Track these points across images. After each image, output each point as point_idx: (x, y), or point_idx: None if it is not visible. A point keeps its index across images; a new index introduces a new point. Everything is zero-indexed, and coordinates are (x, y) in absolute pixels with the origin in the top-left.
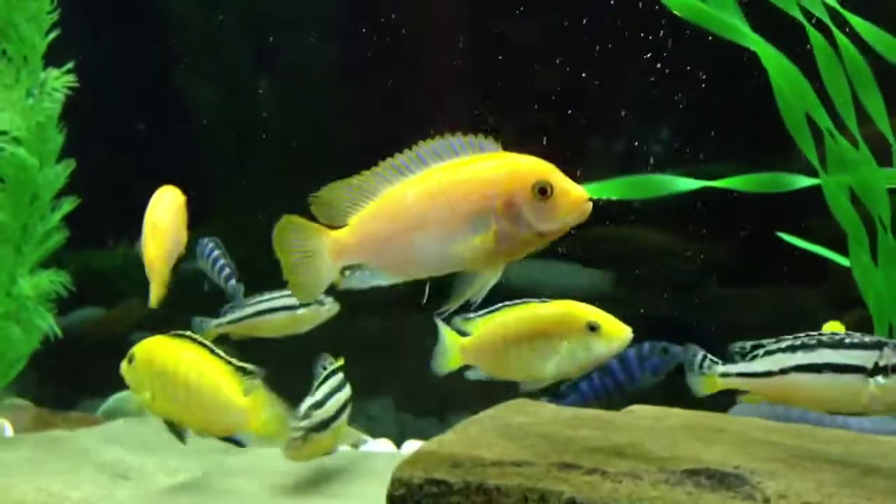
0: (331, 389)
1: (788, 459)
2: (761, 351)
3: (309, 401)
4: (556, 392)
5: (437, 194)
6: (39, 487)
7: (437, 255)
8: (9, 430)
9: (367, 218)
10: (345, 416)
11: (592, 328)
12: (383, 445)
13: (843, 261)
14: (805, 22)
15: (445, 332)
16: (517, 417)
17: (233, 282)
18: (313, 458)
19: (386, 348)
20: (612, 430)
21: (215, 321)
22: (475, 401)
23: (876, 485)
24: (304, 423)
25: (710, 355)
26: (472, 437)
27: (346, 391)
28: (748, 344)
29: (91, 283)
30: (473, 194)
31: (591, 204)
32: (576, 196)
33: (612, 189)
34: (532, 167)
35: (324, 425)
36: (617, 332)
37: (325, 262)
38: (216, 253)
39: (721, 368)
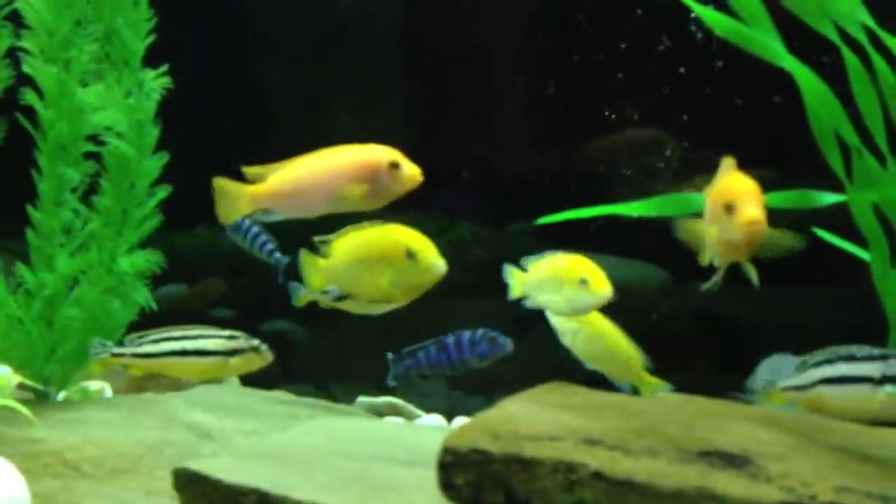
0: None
1: (793, 445)
2: (805, 365)
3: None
4: (397, 356)
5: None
6: (138, 441)
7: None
8: (108, 392)
9: None
10: None
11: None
12: (435, 420)
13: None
14: (839, 42)
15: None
16: (552, 398)
17: (277, 255)
18: None
19: (438, 332)
20: (635, 413)
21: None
22: (518, 382)
23: (869, 471)
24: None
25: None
26: (512, 414)
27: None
28: (800, 359)
29: (176, 262)
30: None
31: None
32: (411, 172)
33: (649, 207)
34: (387, 152)
35: None
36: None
37: None
38: (255, 229)
39: (781, 384)
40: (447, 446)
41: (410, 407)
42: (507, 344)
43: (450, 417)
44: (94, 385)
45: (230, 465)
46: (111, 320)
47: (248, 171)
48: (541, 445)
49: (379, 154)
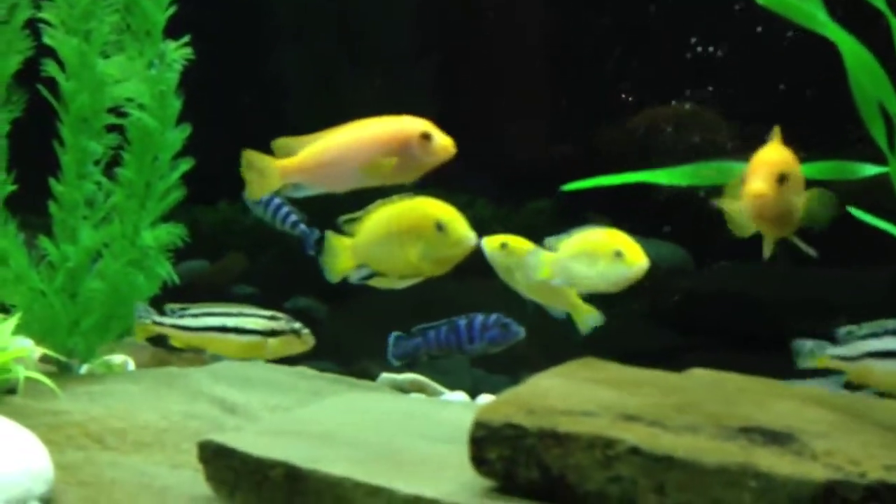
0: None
1: (838, 423)
2: (852, 336)
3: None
4: (407, 332)
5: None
6: (162, 415)
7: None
8: (131, 365)
9: None
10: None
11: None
12: (459, 397)
13: None
14: (887, 11)
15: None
16: (584, 373)
17: (302, 226)
18: None
19: (461, 310)
20: (672, 389)
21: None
22: (542, 360)
23: None
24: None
25: (817, 342)
26: (545, 389)
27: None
28: (847, 328)
29: (198, 237)
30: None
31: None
32: (444, 143)
33: (680, 176)
34: (419, 123)
35: None
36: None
37: None
38: (277, 201)
39: (829, 351)
40: (480, 420)
41: (434, 384)
42: (520, 332)
43: (472, 395)
44: (117, 358)
45: (256, 438)
46: (134, 293)
47: (277, 144)
48: (576, 420)
49: (410, 125)
